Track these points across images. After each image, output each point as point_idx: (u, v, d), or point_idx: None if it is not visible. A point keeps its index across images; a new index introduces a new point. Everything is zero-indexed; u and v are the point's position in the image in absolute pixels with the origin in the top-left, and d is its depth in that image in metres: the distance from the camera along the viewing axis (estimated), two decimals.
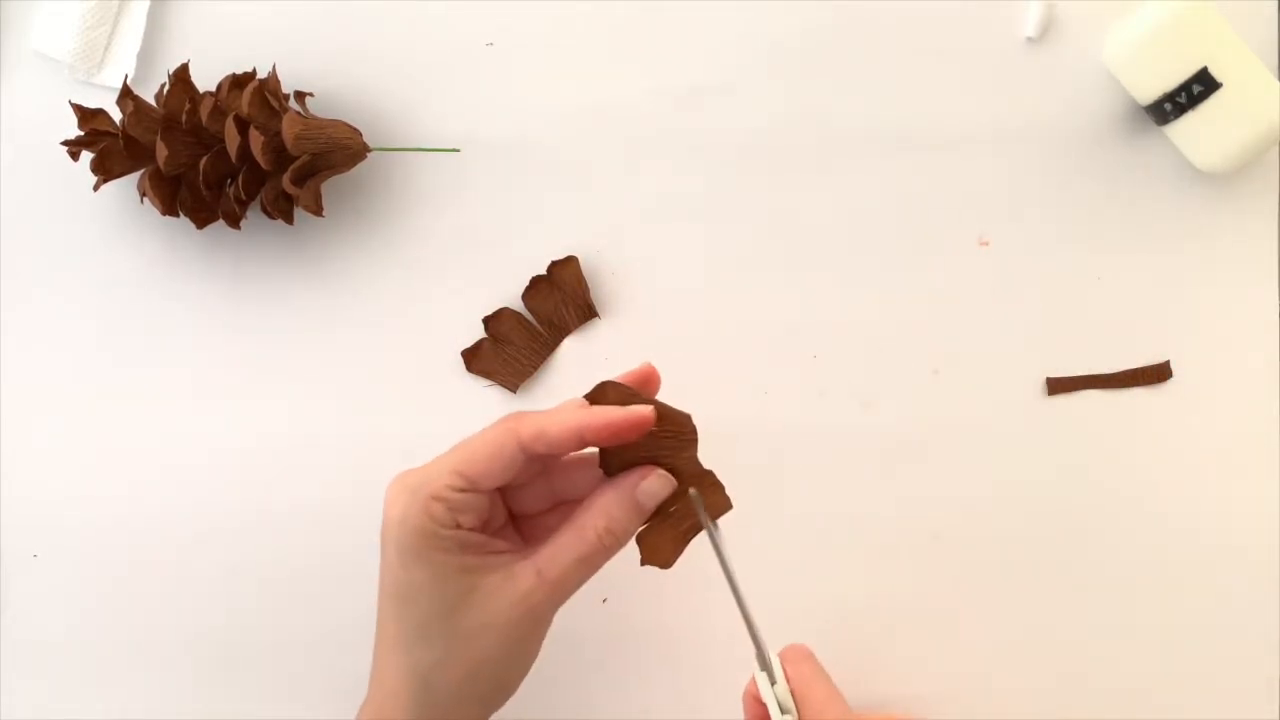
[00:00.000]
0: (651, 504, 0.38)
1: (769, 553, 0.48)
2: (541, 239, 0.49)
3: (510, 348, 0.49)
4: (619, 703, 0.48)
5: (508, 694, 0.40)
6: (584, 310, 0.49)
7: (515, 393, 0.49)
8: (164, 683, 0.49)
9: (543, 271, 0.49)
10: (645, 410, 0.37)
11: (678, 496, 0.39)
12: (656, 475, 0.38)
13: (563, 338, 0.49)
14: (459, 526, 0.37)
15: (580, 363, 0.49)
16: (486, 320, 0.49)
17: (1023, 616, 0.48)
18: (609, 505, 0.38)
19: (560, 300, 0.49)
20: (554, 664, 0.48)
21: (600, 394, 0.38)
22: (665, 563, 0.40)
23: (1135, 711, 0.48)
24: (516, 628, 0.38)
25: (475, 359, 0.49)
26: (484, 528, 0.38)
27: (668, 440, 0.38)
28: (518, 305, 0.49)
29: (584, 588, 0.49)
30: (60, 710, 0.49)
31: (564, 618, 0.48)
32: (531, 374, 0.49)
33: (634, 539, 0.39)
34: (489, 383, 0.49)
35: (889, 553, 0.49)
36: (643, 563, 0.39)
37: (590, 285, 0.49)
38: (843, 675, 0.48)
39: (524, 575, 0.37)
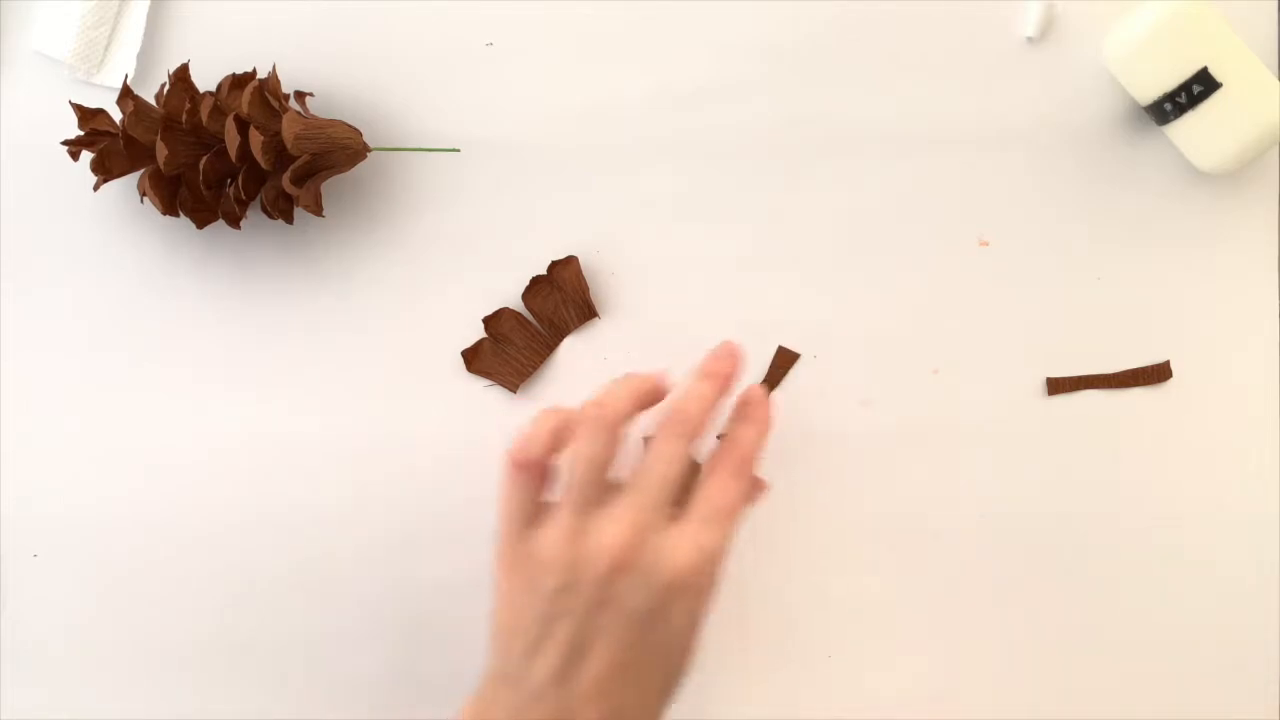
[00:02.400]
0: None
1: (768, 552, 0.48)
2: (541, 239, 0.49)
3: (510, 348, 0.49)
4: None
5: None
6: (584, 310, 0.49)
7: (515, 393, 0.49)
8: (164, 682, 0.49)
9: (543, 271, 0.49)
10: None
11: None
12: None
13: (563, 338, 0.49)
14: None
15: (580, 362, 0.49)
16: (486, 320, 0.49)
17: (1023, 616, 0.49)
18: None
19: (560, 300, 0.49)
20: None
21: None
22: None
23: (1136, 711, 0.48)
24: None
25: (475, 359, 0.49)
26: None
27: None
28: (518, 305, 0.49)
29: None
30: (60, 710, 0.49)
31: None
32: (531, 374, 0.49)
33: None
34: (489, 382, 0.49)
35: (889, 552, 0.49)
36: None
37: (590, 285, 0.49)
38: (842, 675, 0.48)
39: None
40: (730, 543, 0.38)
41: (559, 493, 0.40)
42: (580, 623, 0.37)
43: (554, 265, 0.49)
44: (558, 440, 0.40)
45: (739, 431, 0.41)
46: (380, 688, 0.48)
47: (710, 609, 0.39)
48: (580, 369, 0.49)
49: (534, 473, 0.39)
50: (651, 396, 0.40)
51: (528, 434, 0.40)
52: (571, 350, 0.49)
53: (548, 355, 0.49)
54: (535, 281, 0.49)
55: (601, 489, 0.39)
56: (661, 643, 0.37)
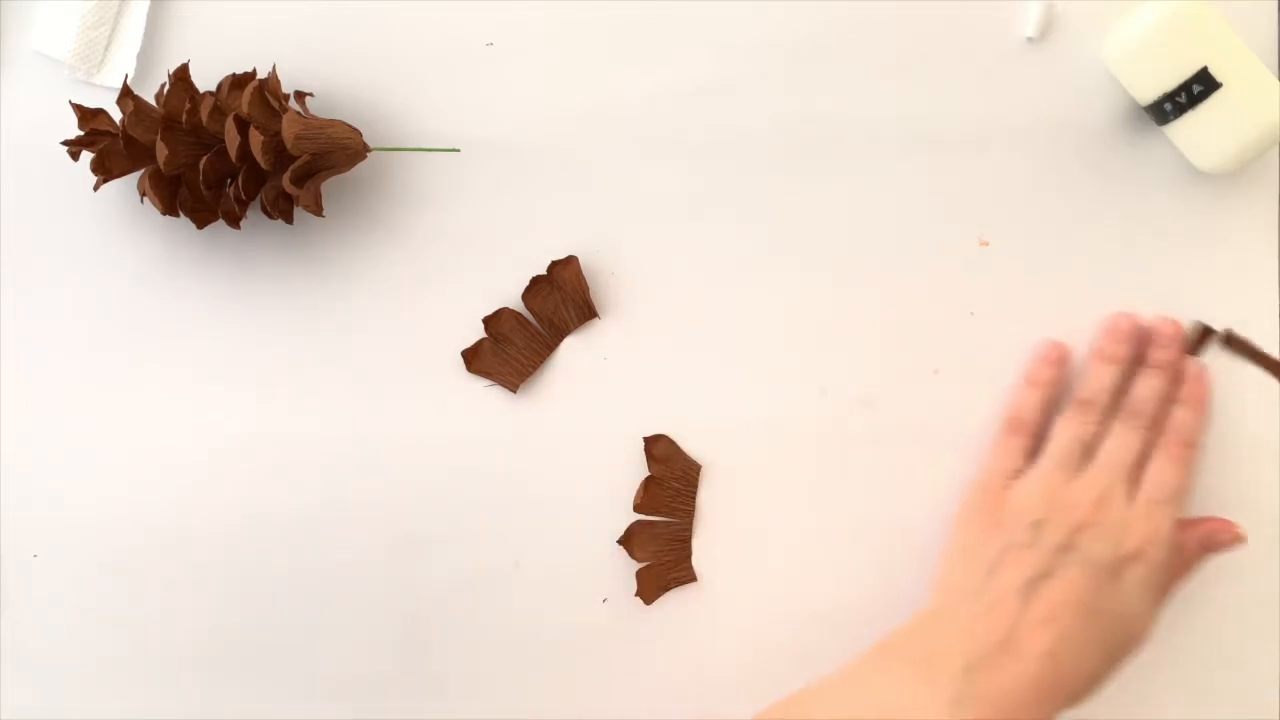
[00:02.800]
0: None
1: (768, 552, 0.48)
2: (541, 239, 0.49)
3: (510, 348, 0.49)
4: (619, 703, 0.48)
5: None
6: (584, 310, 0.49)
7: (515, 393, 0.49)
8: (164, 682, 0.49)
9: (543, 271, 0.49)
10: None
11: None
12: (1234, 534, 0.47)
13: (563, 338, 0.49)
14: None
15: (580, 363, 0.49)
16: (486, 320, 0.49)
17: None
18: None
19: (560, 300, 0.49)
20: (554, 664, 0.48)
21: None
22: (648, 599, 0.48)
23: (1136, 711, 0.48)
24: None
25: (475, 359, 0.49)
26: None
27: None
28: (518, 305, 0.49)
29: (584, 587, 0.49)
30: (60, 710, 0.49)
31: (564, 618, 0.48)
32: (531, 374, 0.49)
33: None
34: (489, 382, 0.49)
35: (889, 552, 0.49)
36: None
37: (590, 285, 0.49)
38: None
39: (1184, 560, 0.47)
40: (1175, 523, 0.44)
41: (1045, 455, 0.46)
42: (1048, 555, 0.42)
43: (554, 265, 0.49)
44: (1047, 411, 0.47)
45: (1178, 416, 0.46)
46: (381, 687, 0.48)
47: (1162, 588, 0.44)
48: (580, 369, 0.49)
49: (1024, 433, 0.47)
50: (1128, 372, 0.47)
51: (1020, 400, 0.48)
52: (571, 350, 0.49)
53: (548, 355, 0.49)
54: (535, 281, 0.49)
55: (1083, 460, 0.45)
56: (1113, 600, 0.42)
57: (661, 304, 0.49)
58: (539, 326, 0.49)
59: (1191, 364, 0.47)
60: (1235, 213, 0.49)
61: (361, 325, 0.49)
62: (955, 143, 0.49)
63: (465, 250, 0.49)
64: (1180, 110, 0.46)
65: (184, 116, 0.45)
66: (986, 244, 0.49)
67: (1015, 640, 0.41)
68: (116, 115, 0.46)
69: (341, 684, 0.48)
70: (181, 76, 0.46)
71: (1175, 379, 0.47)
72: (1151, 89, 0.47)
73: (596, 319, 0.49)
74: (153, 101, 0.46)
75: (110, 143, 0.45)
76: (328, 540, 0.49)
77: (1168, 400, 0.47)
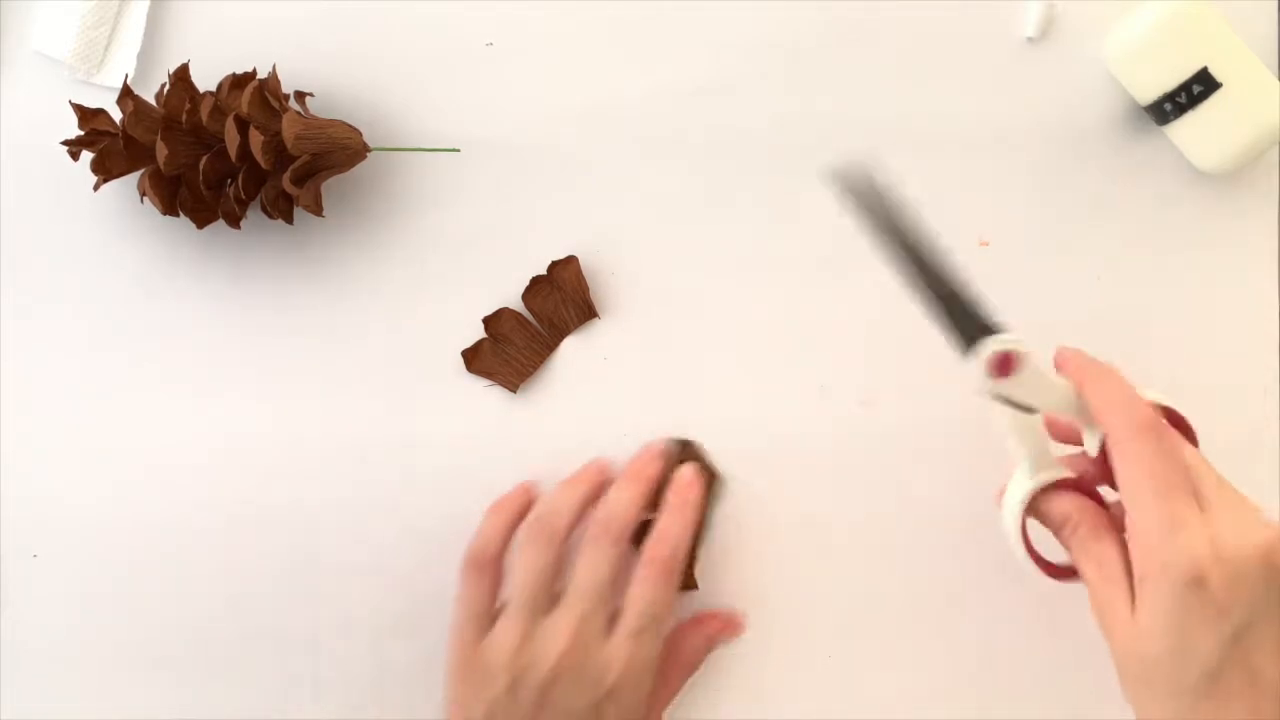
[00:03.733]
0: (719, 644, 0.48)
1: (767, 551, 0.48)
2: (541, 239, 0.49)
3: (510, 347, 0.49)
4: None
5: None
6: (584, 310, 0.49)
7: (515, 393, 0.49)
8: (164, 682, 0.49)
9: (542, 271, 0.49)
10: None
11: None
12: (733, 626, 0.48)
13: (563, 338, 0.49)
14: None
15: (580, 362, 0.49)
16: (486, 320, 0.49)
17: (1024, 615, 0.48)
18: (699, 648, 0.48)
19: (560, 300, 0.49)
20: None
21: None
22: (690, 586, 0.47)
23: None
24: None
25: (475, 359, 0.49)
26: None
27: None
28: (518, 305, 0.49)
29: None
30: (60, 710, 0.49)
31: None
32: (531, 374, 0.49)
33: None
34: (489, 382, 0.49)
35: (888, 552, 0.49)
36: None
37: (590, 285, 0.49)
38: (841, 674, 0.48)
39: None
40: (659, 644, 0.43)
41: (509, 596, 0.43)
42: (526, 716, 0.41)
43: (554, 265, 0.49)
44: (509, 537, 0.44)
45: (663, 525, 0.44)
46: (381, 687, 0.48)
47: (648, 709, 0.43)
48: (580, 369, 0.49)
49: (489, 572, 0.44)
50: (595, 493, 0.44)
51: (482, 534, 0.44)
52: (571, 350, 0.49)
53: (548, 355, 0.49)
54: (535, 281, 0.49)
55: (547, 596, 0.42)
56: None
57: (661, 304, 0.49)
58: (539, 326, 0.49)
59: (682, 470, 0.45)
60: (1235, 213, 0.49)
61: (361, 325, 0.49)
62: (955, 143, 0.49)
63: (465, 250, 0.49)
64: (1180, 110, 0.46)
65: (184, 116, 0.45)
66: (987, 244, 0.49)
67: None
68: (116, 115, 0.46)
69: (343, 683, 0.48)
70: (181, 76, 0.46)
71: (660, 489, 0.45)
72: (1151, 89, 0.47)
73: (596, 319, 0.49)
74: (153, 101, 0.46)
75: (110, 143, 0.45)
76: (328, 540, 0.49)
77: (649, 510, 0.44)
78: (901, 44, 0.49)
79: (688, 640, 0.46)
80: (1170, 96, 0.46)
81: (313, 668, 0.48)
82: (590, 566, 0.42)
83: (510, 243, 0.49)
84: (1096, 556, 0.39)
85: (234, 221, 0.46)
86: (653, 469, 0.45)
